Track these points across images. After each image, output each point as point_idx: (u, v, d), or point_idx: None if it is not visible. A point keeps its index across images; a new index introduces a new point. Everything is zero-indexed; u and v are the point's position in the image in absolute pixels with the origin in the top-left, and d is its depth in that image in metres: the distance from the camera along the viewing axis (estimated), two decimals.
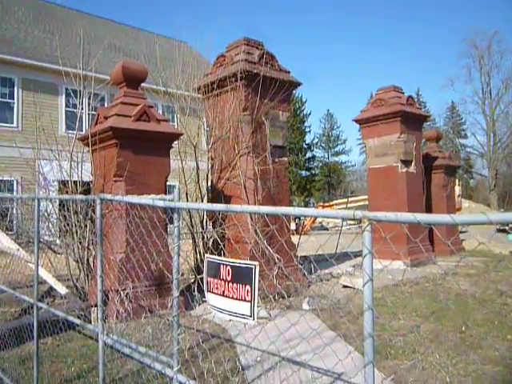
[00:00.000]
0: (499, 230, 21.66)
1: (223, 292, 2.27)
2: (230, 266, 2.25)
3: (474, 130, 61.82)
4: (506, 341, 5.30)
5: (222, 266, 2.29)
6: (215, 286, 2.33)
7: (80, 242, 7.36)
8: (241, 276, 2.18)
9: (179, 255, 2.59)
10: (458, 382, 4.16)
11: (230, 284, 2.23)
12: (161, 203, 2.61)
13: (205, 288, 2.42)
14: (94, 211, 7.22)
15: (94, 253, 7.32)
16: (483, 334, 5.49)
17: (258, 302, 2.17)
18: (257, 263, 2.12)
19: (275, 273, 5.20)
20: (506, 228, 22.19)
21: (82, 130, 9.82)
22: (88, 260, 7.39)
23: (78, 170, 7.87)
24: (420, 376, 4.31)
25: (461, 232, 15.25)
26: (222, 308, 2.31)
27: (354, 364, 3.36)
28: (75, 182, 7.80)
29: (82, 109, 8.59)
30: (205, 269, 2.40)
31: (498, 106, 52.23)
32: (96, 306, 5.81)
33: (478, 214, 1.46)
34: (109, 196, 3.20)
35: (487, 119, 52.34)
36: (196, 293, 2.67)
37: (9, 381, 4.30)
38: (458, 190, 24.02)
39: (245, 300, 2.15)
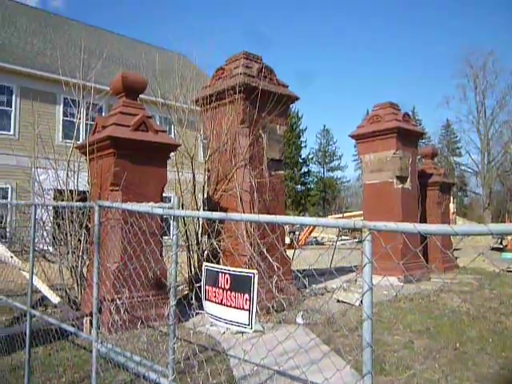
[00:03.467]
0: (493, 249, 21.76)
1: (221, 300, 2.26)
2: (229, 274, 2.25)
3: (469, 148, 62.12)
4: (500, 358, 5.29)
5: (220, 274, 2.29)
6: (213, 294, 2.32)
7: (74, 252, 7.32)
8: (239, 284, 2.18)
9: (177, 263, 2.59)
10: None
11: (229, 292, 2.22)
12: (159, 211, 2.62)
13: (202, 296, 2.41)
14: (89, 220, 7.20)
15: (87, 262, 7.28)
16: (477, 351, 5.48)
17: (256, 312, 2.17)
18: (255, 271, 2.12)
19: (274, 281, 5.20)
20: (501, 246, 22.31)
21: (79, 140, 9.83)
22: (82, 269, 7.34)
23: (75, 179, 7.86)
24: None
25: (455, 249, 15.29)
26: (219, 316, 2.30)
27: (348, 379, 3.34)
28: (71, 190, 7.79)
29: (80, 118, 8.61)
30: (203, 277, 2.40)
31: (492, 126, 52.76)
32: (89, 315, 5.77)
33: (478, 225, 1.48)
34: (107, 203, 3.20)
35: (481, 138, 52.77)
36: (194, 301, 2.65)
37: None
38: (452, 207, 24.14)
39: (243, 309, 2.15)
